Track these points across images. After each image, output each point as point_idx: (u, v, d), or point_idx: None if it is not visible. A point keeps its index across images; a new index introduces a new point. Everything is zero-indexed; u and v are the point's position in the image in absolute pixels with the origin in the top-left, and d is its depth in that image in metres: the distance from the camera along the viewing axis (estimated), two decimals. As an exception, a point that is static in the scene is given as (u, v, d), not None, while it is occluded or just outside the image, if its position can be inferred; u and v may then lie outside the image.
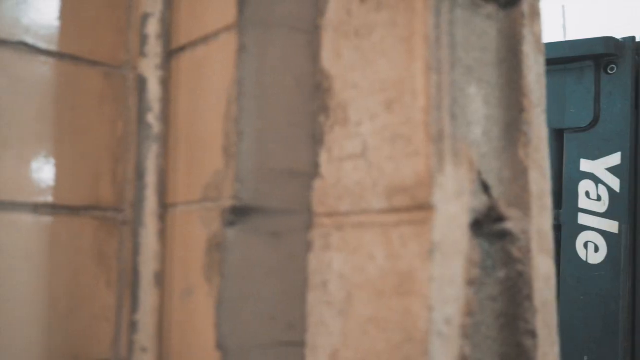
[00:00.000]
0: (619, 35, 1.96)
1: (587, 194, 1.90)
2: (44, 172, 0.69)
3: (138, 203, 0.67)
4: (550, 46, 1.91)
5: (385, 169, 0.58)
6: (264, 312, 0.62)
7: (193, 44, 0.69)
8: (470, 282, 0.57)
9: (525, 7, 0.74)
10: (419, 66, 0.56)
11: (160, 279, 0.66)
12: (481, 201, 0.60)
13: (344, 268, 0.60)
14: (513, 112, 0.72)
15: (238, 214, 0.61)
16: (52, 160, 0.70)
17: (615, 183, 1.85)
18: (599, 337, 1.84)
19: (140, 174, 0.66)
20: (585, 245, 1.89)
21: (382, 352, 0.56)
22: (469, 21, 0.68)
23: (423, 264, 0.53)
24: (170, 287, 0.67)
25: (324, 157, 0.63)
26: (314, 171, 0.64)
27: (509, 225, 0.68)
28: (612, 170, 1.86)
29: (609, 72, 1.88)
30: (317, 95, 0.65)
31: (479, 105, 0.68)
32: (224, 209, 0.61)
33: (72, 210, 0.71)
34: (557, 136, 2.00)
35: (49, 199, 0.69)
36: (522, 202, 0.70)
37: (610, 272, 1.84)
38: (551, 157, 2.01)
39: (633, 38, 1.92)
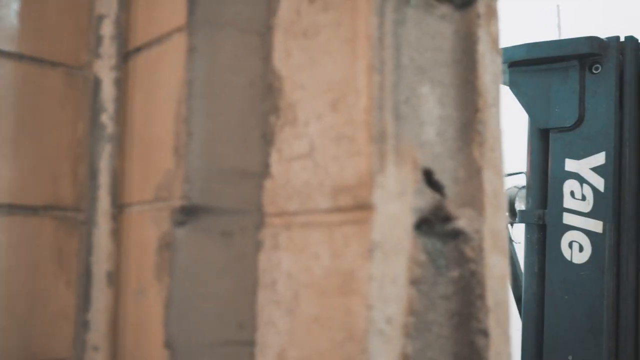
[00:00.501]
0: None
1: (572, 194, 1.90)
2: (3, 172, 0.70)
3: (91, 203, 0.67)
4: (536, 46, 1.92)
5: (331, 169, 0.58)
6: (214, 312, 0.62)
7: (148, 45, 0.69)
8: (414, 282, 0.58)
9: (481, 7, 0.74)
10: (361, 66, 0.57)
11: (113, 278, 0.66)
12: (426, 200, 0.60)
13: (291, 267, 0.60)
14: (468, 112, 0.72)
15: (187, 213, 0.61)
16: (11, 161, 0.70)
17: (599, 183, 1.86)
18: (584, 337, 1.84)
19: (93, 174, 0.67)
20: (570, 244, 1.89)
21: (326, 350, 0.56)
22: (421, 22, 0.69)
23: (363, 264, 0.54)
24: (125, 287, 0.68)
25: (274, 157, 0.64)
26: (265, 171, 0.64)
27: (461, 224, 0.68)
28: (597, 169, 1.86)
29: (594, 71, 1.88)
30: (268, 95, 0.65)
31: (432, 105, 0.69)
32: (173, 209, 0.62)
33: (31, 209, 0.72)
34: (543, 136, 2.00)
35: (7, 198, 0.70)
36: (476, 201, 0.70)
37: (594, 272, 1.84)
38: (537, 157, 2.02)
39: (617, 38, 1.92)
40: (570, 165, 1.89)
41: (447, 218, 0.67)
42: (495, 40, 0.76)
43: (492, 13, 0.76)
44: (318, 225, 0.59)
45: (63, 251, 0.74)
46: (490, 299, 0.69)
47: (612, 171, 1.84)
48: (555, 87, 1.91)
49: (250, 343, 0.63)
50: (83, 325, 0.66)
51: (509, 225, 2.93)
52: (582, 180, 1.88)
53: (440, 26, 0.71)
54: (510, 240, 2.96)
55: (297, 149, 0.62)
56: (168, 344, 0.60)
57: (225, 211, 0.64)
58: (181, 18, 0.64)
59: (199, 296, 0.62)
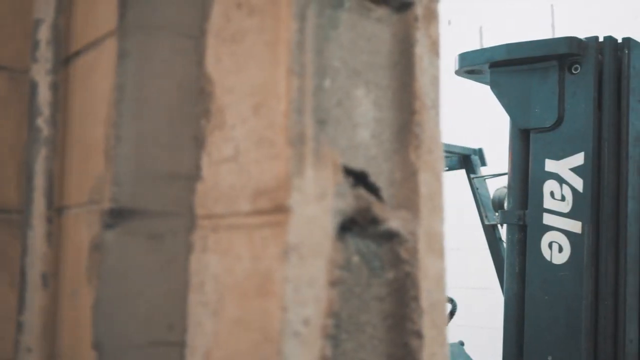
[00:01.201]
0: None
1: (552, 194, 1.89)
2: (-55, 175, 0.70)
3: (27, 205, 0.68)
4: (515, 46, 1.92)
5: (253, 172, 0.59)
6: (143, 313, 0.63)
7: (85, 49, 0.70)
8: (333, 283, 0.58)
9: (419, 10, 0.74)
10: (281, 71, 0.57)
11: (49, 280, 0.67)
12: (348, 203, 0.60)
13: (217, 269, 0.61)
14: (405, 114, 0.72)
15: (116, 216, 0.62)
16: (-46, 164, 0.71)
17: (578, 183, 1.85)
18: (563, 337, 1.84)
19: (29, 177, 0.68)
20: (550, 245, 1.89)
21: (246, 352, 0.57)
22: (356, 25, 0.69)
23: (279, 266, 0.54)
24: (63, 289, 0.68)
25: (204, 160, 0.64)
26: (196, 174, 0.65)
27: (395, 226, 0.69)
28: (576, 170, 1.86)
29: (573, 72, 1.88)
30: (201, 99, 0.66)
31: (367, 108, 0.69)
32: (102, 212, 0.62)
33: (-25, 212, 0.73)
34: (524, 136, 1.99)
35: (-51, 201, 0.71)
36: (412, 203, 0.71)
37: (573, 272, 1.84)
38: (518, 157, 2.02)
39: (596, 38, 1.92)
40: (550, 165, 1.88)
41: (375, 220, 0.67)
42: (434, 42, 0.76)
43: (431, 16, 0.76)
44: (241, 228, 0.59)
45: (7, 253, 0.75)
46: (425, 300, 0.70)
47: (590, 171, 1.84)
48: (536, 88, 1.91)
49: (181, 344, 0.64)
50: (18, 326, 0.67)
51: (499, 226, 2.93)
52: (561, 181, 1.87)
53: (377, 29, 0.72)
54: (500, 241, 2.96)
55: (224, 152, 0.62)
56: (96, 345, 0.61)
57: (155, 214, 0.64)
58: (112, 23, 0.64)
59: (127, 298, 0.62)
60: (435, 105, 0.74)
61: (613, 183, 1.87)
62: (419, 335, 0.69)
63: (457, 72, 2.07)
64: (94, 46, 0.68)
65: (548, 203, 1.88)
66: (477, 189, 3.09)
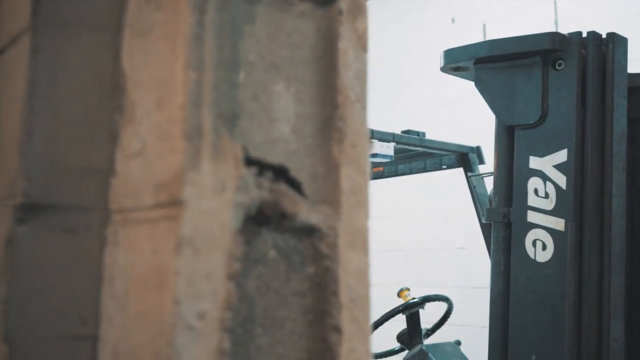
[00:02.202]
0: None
1: (536, 191, 1.87)
2: None
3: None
4: (498, 42, 1.90)
5: (155, 166, 0.59)
6: (55, 307, 0.63)
7: (8, 46, 0.70)
8: (232, 277, 0.58)
9: (343, 4, 0.74)
10: (179, 64, 0.57)
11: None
12: (256, 197, 0.60)
13: (124, 263, 0.61)
14: (328, 109, 0.72)
15: (28, 211, 0.63)
16: None
17: (561, 180, 1.83)
18: (546, 337, 1.82)
19: (-50, 173, 0.68)
20: (534, 243, 1.87)
21: (144, 345, 0.57)
22: (275, 19, 0.69)
23: (173, 259, 0.54)
24: (-14, 283, 0.69)
25: (118, 155, 0.65)
26: (111, 168, 0.65)
27: (315, 221, 0.68)
28: (559, 167, 1.84)
29: (557, 67, 1.85)
30: (117, 94, 0.66)
31: (287, 103, 0.69)
32: (15, 206, 0.63)
33: None
34: (508, 133, 1.97)
35: None
36: (333, 198, 0.70)
37: (556, 271, 1.82)
38: (503, 155, 2.00)
39: (579, 33, 1.89)
40: (534, 162, 1.86)
41: (292, 215, 0.67)
42: (361, 36, 0.76)
43: (357, 9, 0.75)
44: (144, 222, 0.59)
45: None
46: (345, 295, 0.69)
47: (573, 168, 1.81)
48: (520, 84, 1.88)
49: (94, 338, 0.64)
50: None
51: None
52: (545, 178, 1.85)
53: (299, 24, 0.72)
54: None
55: (133, 147, 0.63)
56: (7, 339, 0.61)
57: (69, 208, 0.64)
58: (26, 19, 0.65)
59: (40, 292, 0.63)
60: (361, 100, 0.74)
61: (597, 180, 1.84)
62: (337, 330, 0.68)
63: (443, 69, 2.05)
64: (13, 43, 0.69)
65: (532, 200, 1.86)
66: (475, 187, 3.07)
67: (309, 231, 0.69)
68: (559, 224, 1.81)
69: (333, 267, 0.69)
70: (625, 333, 2.12)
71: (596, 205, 1.84)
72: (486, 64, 1.92)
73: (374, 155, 2.74)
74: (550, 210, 1.84)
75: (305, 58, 0.71)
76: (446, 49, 2.02)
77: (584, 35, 1.90)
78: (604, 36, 1.92)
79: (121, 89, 0.66)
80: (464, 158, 3.23)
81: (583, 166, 1.83)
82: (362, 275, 0.72)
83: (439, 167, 3.40)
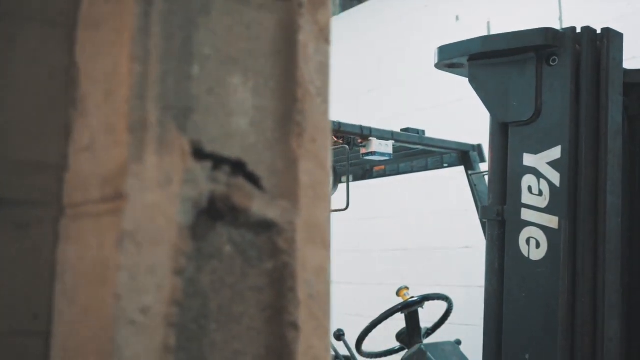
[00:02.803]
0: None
1: (530, 189, 1.85)
2: None
3: None
4: (492, 38, 1.88)
5: (102, 160, 0.58)
6: (6, 303, 0.62)
7: (-34, 39, 0.70)
8: (179, 271, 0.57)
9: (303, -4, 0.73)
10: (124, 56, 0.57)
11: None
12: (200, 191, 0.59)
13: (73, 258, 0.60)
14: (288, 102, 0.71)
15: (-21, 205, 0.62)
16: None
17: (555, 177, 1.80)
18: (540, 336, 1.79)
19: None
20: (528, 241, 1.85)
21: (89, 340, 0.56)
22: (232, 11, 0.68)
23: (115, 253, 0.54)
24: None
25: (71, 149, 0.64)
26: (65, 163, 0.65)
27: (273, 216, 0.68)
28: (553, 164, 1.81)
29: (551, 63, 1.83)
30: (71, 88, 0.65)
31: (246, 96, 0.68)
32: (-35, 201, 0.62)
33: None
34: (503, 130, 1.95)
35: None
36: (291, 193, 0.69)
37: (550, 269, 1.79)
38: (497, 152, 1.97)
39: (573, 28, 1.86)
40: (528, 159, 1.84)
41: (247, 209, 0.66)
42: (323, 29, 0.75)
43: (319, 1, 0.74)
44: (92, 216, 0.59)
45: None
46: (303, 291, 0.68)
47: (567, 165, 1.79)
48: (514, 81, 1.86)
49: (46, 333, 0.64)
50: None
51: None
52: (539, 175, 1.83)
53: (259, 16, 0.71)
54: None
55: (84, 141, 0.62)
56: (-44, 334, 0.61)
57: (21, 203, 0.64)
58: (-22, 12, 0.64)
59: (-10, 287, 0.62)
60: (322, 93, 0.73)
61: (591, 177, 1.81)
62: (295, 327, 0.67)
63: (437, 66, 2.04)
64: (-30, 37, 0.68)
65: (526, 198, 1.84)
66: (476, 185, 3.05)
67: (267, 226, 0.68)
68: (552, 221, 1.79)
69: (291, 263, 0.68)
70: (625, 333, 2.09)
71: (590, 203, 1.81)
72: (480, 61, 1.90)
73: (373, 154, 2.72)
74: (544, 208, 1.81)
75: (265, 51, 0.70)
76: (440, 45, 2.00)
77: (578, 30, 1.87)
78: (599, 32, 1.89)
79: (74, 83, 0.65)
80: (465, 156, 3.20)
81: (577, 163, 1.81)
82: (322, 271, 0.71)
83: (440, 166, 3.38)
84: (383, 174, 3.69)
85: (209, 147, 0.64)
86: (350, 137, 2.67)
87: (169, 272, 0.57)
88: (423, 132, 3.04)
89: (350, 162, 3.44)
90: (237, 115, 0.67)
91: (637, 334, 2.11)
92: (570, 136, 1.79)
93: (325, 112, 0.74)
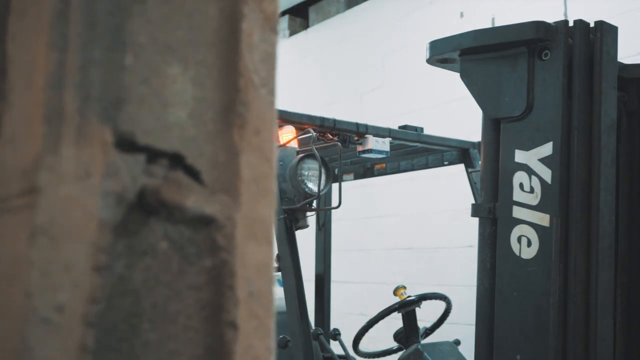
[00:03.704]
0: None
1: (521, 186, 1.81)
2: None
3: None
4: (482, 32, 1.84)
5: (21, 152, 0.56)
6: None
7: None
8: (97, 269, 0.55)
9: (248, -17, 0.70)
10: (43, 44, 0.54)
11: None
12: (123, 184, 0.57)
13: (-5, 255, 0.58)
14: (231, 93, 0.68)
15: None
16: None
17: (547, 174, 1.76)
18: (531, 336, 1.75)
19: None
20: (519, 239, 1.80)
21: (2, 341, 0.54)
22: (172, 0, 0.66)
23: (27, 249, 0.51)
24: None
25: (0, 142, 0.62)
26: (-6, 156, 0.62)
27: (211, 211, 0.65)
28: (544, 160, 1.77)
29: (543, 58, 1.78)
30: (2, 79, 0.63)
31: (185, 87, 0.65)
32: None
33: None
34: (495, 126, 1.91)
35: None
36: (232, 187, 0.67)
37: (541, 268, 1.75)
38: (489, 149, 1.93)
39: (566, 22, 1.82)
40: (520, 156, 1.80)
41: (183, 204, 0.63)
42: (269, 17, 0.72)
43: (265, -11, 0.72)
44: (11, 211, 0.56)
45: None
46: (242, 289, 0.66)
47: (559, 162, 1.74)
48: (505, 76, 1.82)
49: (-27, 333, 0.61)
50: None
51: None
52: (530, 172, 1.78)
53: (200, 4, 0.68)
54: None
55: (8, 133, 0.60)
56: None
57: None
58: None
59: None
60: (267, 84, 0.70)
61: (584, 174, 1.77)
62: (233, 326, 0.65)
63: (429, 61, 2.00)
64: None
65: (517, 195, 1.79)
66: (476, 183, 3.01)
67: (206, 222, 0.65)
68: (544, 219, 1.75)
69: (229, 260, 0.66)
70: (624, 333, 2.04)
71: (583, 201, 1.76)
72: (472, 56, 1.86)
73: (369, 151, 2.69)
74: (535, 206, 1.77)
75: (206, 40, 0.67)
76: (431, 40, 1.96)
77: (571, 24, 1.82)
78: (591, 25, 1.84)
79: (3, 74, 0.63)
80: (465, 154, 3.16)
81: (569, 160, 1.76)
82: (264, 268, 0.68)
83: (440, 164, 3.34)
84: (384, 172, 3.65)
85: (143, 140, 0.62)
86: (346, 134, 2.64)
87: (87, 269, 0.54)
88: (421, 129, 3.00)
89: (343, 160, 3.42)
90: (175, 107, 0.65)
91: (637, 335, 2.06)
92: (562, 132, 1.74)
93: (271, 103, 0.71)
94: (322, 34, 5.91)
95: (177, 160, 0.65)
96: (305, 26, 6.25)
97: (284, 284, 2.23)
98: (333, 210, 3.45)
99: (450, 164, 3.27)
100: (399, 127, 2.95)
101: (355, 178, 3.79)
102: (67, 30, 0.55)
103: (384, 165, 3.59)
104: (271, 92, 0.71)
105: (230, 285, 0.66)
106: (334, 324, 3.53)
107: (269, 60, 0.71)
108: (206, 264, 0.66)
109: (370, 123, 2.81)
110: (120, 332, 0.60)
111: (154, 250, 0.63)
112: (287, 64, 6.19)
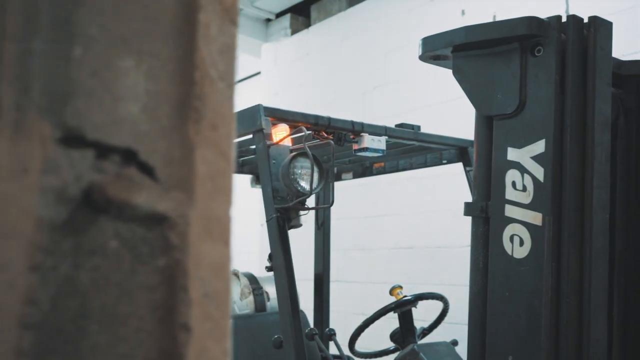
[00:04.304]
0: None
1: (514, 184, 1.77)
2: None
3: None
4: (474, 28, 1.81)
5: (-42, 147, 0.54)
6: None
7: None
8: (35, 268, 0.53)
9: (206, -27, 0.68)
10: (-23, 34, 0.52)
11: None
12: (64, 180, 0.55)
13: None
14: (187, 87, 0.66)
15: None
16: None
17: (539, 172, 1.73)
18: (523, 336, 1.72)
19: None
20: (512, 238, 1.77)
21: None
22: (124, -11, 0.63)
23: (-42, 248, 0.49)
24: None
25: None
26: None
27: (164, 208, 0.63)
28: (537, 158, 1.73)
29: (536, 54, 1.75)
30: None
31: (138, 80, 0.63)
32: None
33: None
34: (487, 124, 1.88)
35: None
36: (186, 183, 0.65)
37: (534, 267, 1.72)
38: (482, 146, 1.90)
39: (559, 17, 1.78)
40: (512, 154, 1.76)
41: (132, 202, 0.61)
42: (228, 8, 0.70)
43: (225, -21, 0.70)
44: (-52, 208, 0.54)
45: None
46: (196, 290, 0.64)
47: (551, 160, 1.71)
48: (498, 72, 1.79)
49: None
50: None
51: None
52: (523, 170, 1.75)
53: (155, -5, 0.66)
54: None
55: (-50, 127, 0.58)
56: None
57: None
58: None
59: None
60: (226, 78, 0.68)
61: (577, 172, 1.73)
62: (186, 328, 0.63)
63: (422, 58, 1.97)
64: None
65: (510, 194, 1.76)
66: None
67: (159, 220, 0.63)
68: (536, 218, 1.71)
69: (182, 259, 0.63)
70: (621, 334, 2.01)
71: (576, 199, 1.73)
72: (464, 52, 1.83)
73: (365, 150, 2.66)
74: (528, 204, 1.74)
75: (162, 32, 0.65)
76: (424, 36, 1.93)
77: (564, 19, 1.79)
78: (585, 20, 1.81)
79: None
80: (463, 152, 3.13)
81: (562, 157, 1.73)
82: (220, 268, 0.66)
83: (439, 162, 3.31)
84: (383, 171, 3.62)
85: (92, 135, 0.60)
86: (341, 133, 2.61)
87: (23, 269, 0.52)
88: (418, 127, 2.97)
89: (341, 159, 3.39)
90: (127, 101, 0.62)
91: (635, 336, 2.03)
92: (555, 129, 1.71)
93: (230, 97, 0.69)
94: (323, 32, 5.88)
95: (129, 157, 0.62)
96: (307, 25, 6.23)
97: (277, 283, 2.21)
98: (333, 210, 3.43)
99: (449, 162, 3.24)
100: (396, 126, 2.92)
101: (354, 177, 3.76)
102: (4, 20, 0.53)
103: (382, 164, 3.57)
104: (230, 85, 0.69)
105: (183, 285, 0.63)
106: (333, 323, 3.51)
107: (228, 52, 0.69)
108: (159, 263, 0.63)
109: (372, 121, 2.79)
110: (67, 335, 0.58)
111: (104, 250, 0.61)
112: (289, 62, 6.17)
